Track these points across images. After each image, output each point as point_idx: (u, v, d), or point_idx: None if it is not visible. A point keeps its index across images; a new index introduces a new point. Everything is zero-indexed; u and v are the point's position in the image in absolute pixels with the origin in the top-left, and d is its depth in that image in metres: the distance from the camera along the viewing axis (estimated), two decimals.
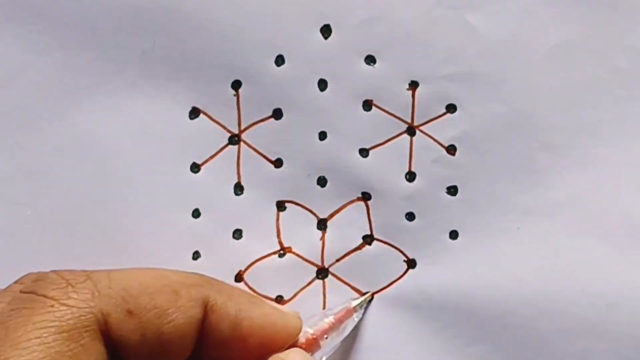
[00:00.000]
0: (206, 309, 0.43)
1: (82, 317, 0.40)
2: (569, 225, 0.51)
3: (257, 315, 0.45)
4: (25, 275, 0.42)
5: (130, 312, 0.41)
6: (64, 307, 0.40)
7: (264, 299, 0.47)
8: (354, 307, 0.51)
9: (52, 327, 0.39)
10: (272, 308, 0.45)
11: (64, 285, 0.41)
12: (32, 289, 0.41)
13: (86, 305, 0.40)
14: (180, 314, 0.42)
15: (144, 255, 0.50)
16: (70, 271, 0.42)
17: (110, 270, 0.42)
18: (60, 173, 0.50)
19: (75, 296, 0.41)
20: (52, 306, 0.40)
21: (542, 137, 0.51)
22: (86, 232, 0.50)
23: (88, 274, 0.42)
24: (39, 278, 0.41)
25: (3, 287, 0.47)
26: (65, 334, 0.40)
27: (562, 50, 0.50)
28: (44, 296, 0.40)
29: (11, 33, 0.48)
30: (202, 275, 0.45)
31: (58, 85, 0.49)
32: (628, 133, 0.51)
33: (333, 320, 0.49)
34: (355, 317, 0.51)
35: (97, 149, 0.50)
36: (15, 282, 0.42)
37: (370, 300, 0.51)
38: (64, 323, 0.40)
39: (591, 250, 0.51)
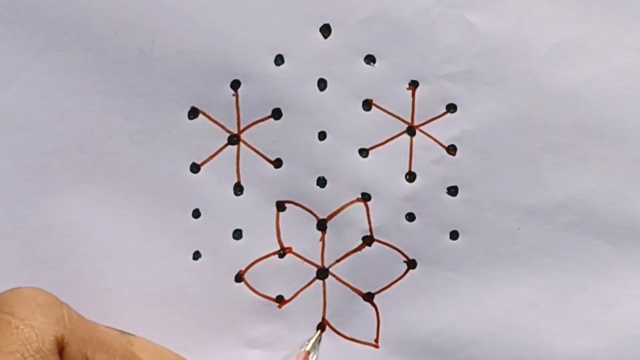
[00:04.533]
0: None
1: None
2: (569, 225, 0.51)
3: None
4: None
5: (87, 359, 0.42)
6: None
7: None
8: (308, 351, 0.51)
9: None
10: None
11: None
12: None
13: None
14: None
15: (144, 256, 0.50)
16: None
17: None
18: (60, 173, 0.50)
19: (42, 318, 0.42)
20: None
21: (543, 136, 0.51)
22: (86, 232, 0.50)
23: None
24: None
25: (3, 288, 0.47)
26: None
27: (562, 50, 0.50)
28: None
29: (11, 33, 0.48)
30: None
31: (58, 85, 0.49)
32: (629, 133, 0.51)
33: None
34: (312, 358, 0.51)
35: (96, 149, 0.50)
36: None
37: (320, 336, 0.51)
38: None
39: (591, 250, 0.51)
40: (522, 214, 0.51)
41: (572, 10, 0.50)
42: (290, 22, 0.49)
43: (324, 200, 0.51)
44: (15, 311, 0.42)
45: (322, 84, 0.50)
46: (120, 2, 0.49)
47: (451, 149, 0.51)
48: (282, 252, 0.51)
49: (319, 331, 0.51)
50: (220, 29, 0.49)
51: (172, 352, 0.49)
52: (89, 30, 0.49)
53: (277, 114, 0.50)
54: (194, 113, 0.50)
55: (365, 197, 0.51)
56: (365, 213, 0.51)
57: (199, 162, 0.50)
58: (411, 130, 0.51)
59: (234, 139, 0.50)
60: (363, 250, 0.52)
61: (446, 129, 0.51)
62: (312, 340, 0.51)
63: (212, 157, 0.50)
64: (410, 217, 0.51)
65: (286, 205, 0.51)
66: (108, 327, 0.46)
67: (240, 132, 0.50)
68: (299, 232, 0.51)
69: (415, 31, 0.50)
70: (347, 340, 0.52)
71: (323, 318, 0.52)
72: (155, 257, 0.51)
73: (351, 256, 0.52)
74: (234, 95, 0.50)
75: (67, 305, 0.43)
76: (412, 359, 0.52)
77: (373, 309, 0.52)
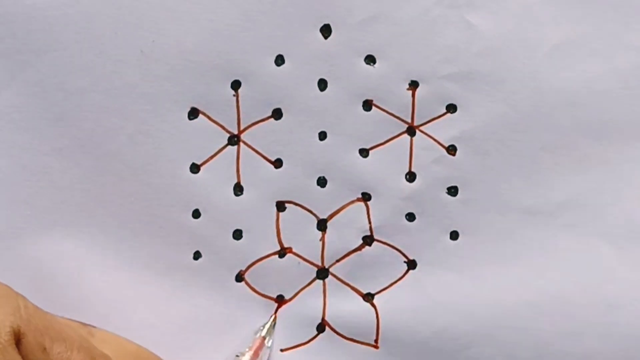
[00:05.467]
0: None
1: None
2: (569, 225, 0.51)
3: None
4: None
5: (44, 349, 0.42)
6: None
7: None
8: (264, 336, 0.51)
9: None
10: None
11: None
12: None
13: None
14: None
15: (144, 256, 0.50)
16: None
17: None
18: (60, 173, 0.50)
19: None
20: None
21: (543, 137, 0.51)
22: (86, 233, 0.50)
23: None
24: None
25: None
26: None
27: (562, 50, 0.50)
28: None
29: (11, 33, 0.48)
30: None
31: (58, 85, 0.49)
32: (628, 133, 0.51)
33: (250, 357, 0.50)
34: (268, 343, 0.51)
35: (96, 149, 0.50)
36: None
37: (275, 320, 0.51)
38: None
39: (591, 250, 0.51)
40: (522, 214, 0.51)
41: (572, 10, 0.50)
42: (290, 22, 0.50)
43: (324, 200, 0.51)
44: None
45: (322, 84, 0.50)
46: (120, 2, 0.49)
47: (451, 149, 0.51)
48: (282, 252, 0.51)
49: (273, 316, 0.51)
50: (220, 29, 0.49)
51: (134, 344, 0.48)
52: (89, 30, 0.49)
53: (277, 114, 0.50)
54: (194, 113, 0.50)
55: (366, 197, 0.51)
56: (366, 213, 0.51)
57: (199, 163, 0.50)
58: (411, 130, 0.51)
59: (234, 139, 0.50)
60: (363, 250, 0.52)
61: (446, 129, 0.51)
62: (267, 326, 0.51)
63: (212, 157, 0.50)
64: (410, 217, 0.51)
65: (286, 205, 0.51)
66: (69, 319, 0.46)
67: (240, 132, 0.50)
68: (299, 232, 0.51)
69: (415, 31, 0.50)
70: (346, 341, 0.52)
71: (323, 318, 0.52)
72: (155, 257, 0.51)
73: (351, 256, 0.52)
74: (234, 95, 0.50)
75: (22, 297, 0.43)
76: (412, 359, 0.52)
77: (373, 309, 0.52)
